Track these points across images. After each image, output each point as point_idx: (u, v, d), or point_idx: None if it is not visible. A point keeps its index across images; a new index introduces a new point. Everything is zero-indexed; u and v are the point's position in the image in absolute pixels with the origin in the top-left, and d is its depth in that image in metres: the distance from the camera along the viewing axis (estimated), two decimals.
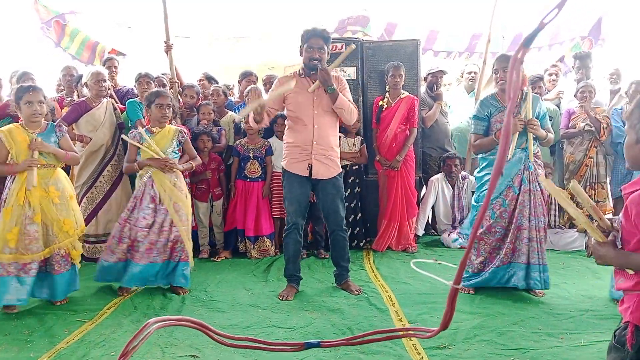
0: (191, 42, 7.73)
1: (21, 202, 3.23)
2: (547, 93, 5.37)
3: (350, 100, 3.55)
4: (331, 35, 3.59)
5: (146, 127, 3.74)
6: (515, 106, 3.41)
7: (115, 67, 5.12)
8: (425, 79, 5.41)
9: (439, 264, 3.61)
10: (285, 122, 3.65)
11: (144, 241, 3.50)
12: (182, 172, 3.77)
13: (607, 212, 5.12)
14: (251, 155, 4.62)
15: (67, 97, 5.05)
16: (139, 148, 3.60)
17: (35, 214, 3.24)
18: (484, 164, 3.63)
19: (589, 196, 4.94)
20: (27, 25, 6.57)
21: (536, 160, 3.53)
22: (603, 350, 2.58)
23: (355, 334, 2.83)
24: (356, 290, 3.59)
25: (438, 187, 5.20)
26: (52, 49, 6.40)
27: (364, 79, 5.03)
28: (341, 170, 3.63)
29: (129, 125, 4.51)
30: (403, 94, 4.76)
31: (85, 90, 4.56)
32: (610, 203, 4.92)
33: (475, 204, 3.69)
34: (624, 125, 4.89)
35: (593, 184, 4.94)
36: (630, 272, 1.42)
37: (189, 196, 3.73)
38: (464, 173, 5.23)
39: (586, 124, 4.92)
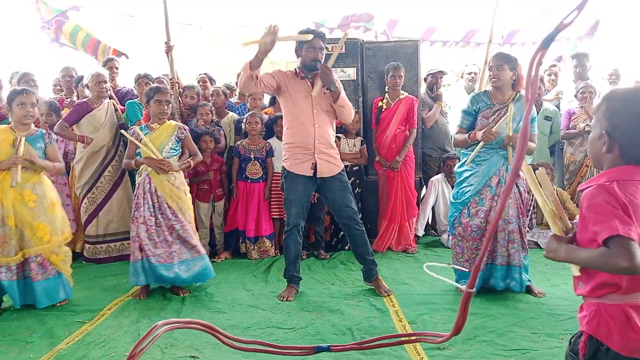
0: (191, 42, 7.73)
1: None
2: (546, 94, 5.37)
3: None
4: (334, 31, 3.60)
5: (145, 123, 3.72)
6: (504, 106, 3.41)
7: (117, 68, 5.13)
8: (425, 79, 5.41)
9: (453, 267, 3.60)
10: (284, 123, 3.61)
11: (153, 239, 3.51)
12: (183, 171, 3.76)
13: None
14: (252, 156, 4.62)
15: (66, 98, 5.05)
16: (139, 145, 3.59)
17: (7, 216, 3.18)
18: (465, 159, 3.59)
19: None
20: (27, 25, 6.57)
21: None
22: None
23: (356, 335, 2.84)
24: (385, 292, 3.53)
25: (438, 188, 5.20)
26: (50, 45, 6.38)
27: (363, 79, 5.03)
28: (343, 166, 3.61)
29: (129, 126, 4.51)
30: (402, 94, 4.76)
31: (86, 92, 4.57)
32: None
33: (452, 200, 3.63)
34: None
35: None
36: (576, 272, 1.38)
37: (188, 193, 3.72)
38: None
39: (586, 125, 4.92)
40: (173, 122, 3.71)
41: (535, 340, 2.77)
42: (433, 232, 5.47)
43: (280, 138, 4.71)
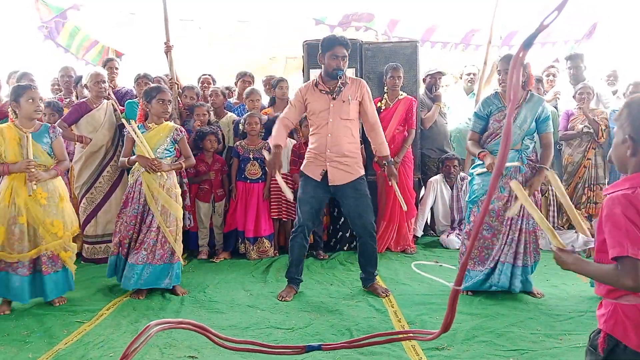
0: (191, 42, 7.73)
1: (7, 202, 3.21)
2: (545, 94, 5.38)
3: (375, 113, 3.62)
4: (334, 29, 3.61)
5: (140, 122, 3.70)
6: (516, 107, 3.42)
7: (116, 69, 5.12)
8: (424, 80, 5.42)
9: (440, 265, 3.61)
10: (309, 128, 3.65)
11: (133, 238, 3.53)
12: (179, 172, 3.75)
13: None
14: (251, 156, 4.62)
15: (65, 98, 5.05)
16: (134, 143, 3.58)
17: (20, 215, 3.21)
18: (476, 162, 3.62)
19: (588, 198, 4.97)
20: (27, 25, 6.56)
21: (529, 162, 3.52)
22: None
23: (354, 335, 2.84)
24: (383, 293, 3.55)
25: (437, 188, 5.21)
26: (44, 42, 6.37)
27: (363, 79, 5.02)
28: (362, 173, 3.57)
29: None
30: (401, 95, 4.77)
31: (85, 92, 4.56)
32: None
33: (467, 200, 3.66)
34: None
35: (592, 186, 4.95)
36: (586, 280, 1.46)
37: (179, 196, 3.67)
38: (462, 174, 5.23)
39: (584, 126, 4.93)
40: (170, 124, 3.69)
41: (534, 340, 2.77)
42: (432, 232, 5.47)
43: None
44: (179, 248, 3.62)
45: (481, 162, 3.56)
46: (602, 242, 1.38)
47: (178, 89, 4.92)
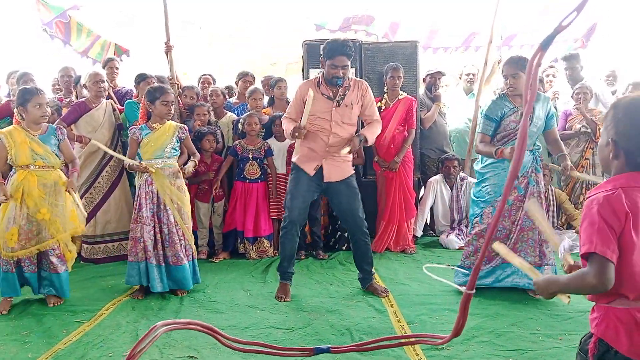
0: (191, 42, 7.73)
1: (18, 201, 3.25)
2: (545, 93, 5.38)
3: (375, 112, 3.58)
4: (335, 33, 3.59)
5: (143, 123, 3.72)
6: (531, 108, 3.40)
7: (117, 69, 5.12)
8: (424, 80, 5.42)
9: (452, 268, 3.60)
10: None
11: (152, 240, 3.52)
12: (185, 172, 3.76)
13: None
14: (250, 156, 4.62)
15: (65, 98, 5.05)
16: (139, 145, 3.59)
17: (33, 212, 3.26)
18: (488, 162, 3.57)
19: (585, 198, 4.97)
20: (27, 25, 6.55)
21: (541, 160, 3.54)
22: None
23: (354, 335, 2.84)
24: (382, 292, 3.54)
25: (436, 189, 5.20)
26: (57, 49, 6.37)
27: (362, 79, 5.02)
28: (353, 172, 3.58)
29: (127, 126, 4.50)
30: (401, 95, 4.77)
31: (84, 91, 4.56)
32: None
33: (474, 198, 3.63)
34: None
35: (590, 186, 4.95)
36: (565, 300, 1.50)
37: (187, 193, 3.72)
38: (462, 174, 5.24)
39: (582, 126, 4.94)
40: (173, 123, 3.71)
41: (533, 340, 2.77)
42: (431, 232, 5.47)
43: (278, 139, 4.73)
44: (192, 243, 3.69)
45: (491, 159, 3.52)
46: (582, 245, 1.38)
47: (178, 88, 4.92)
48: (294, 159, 3.55)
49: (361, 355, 2.57)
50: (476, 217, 3.60)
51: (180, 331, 2.79)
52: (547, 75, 5.52)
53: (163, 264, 3.55)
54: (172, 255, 3.56)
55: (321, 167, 3.45)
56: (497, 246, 1.65)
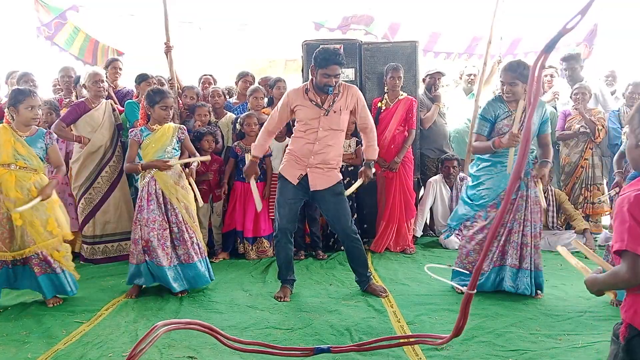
0: (191, 42, 7.73)
1: None
2: (543, 95, 5.39)
3: (368, 118, 3.54)
4: (334, 32, 3.56)
5: (143, 124, 3.73)
6: (534, 109, 3.39)
7: (120, 69, 5.11)
8: (424, 80, 5.42)
9: (453, 269, 3.60)
10: (293, 129, 3.60)
11: (160, 241, 3.51)
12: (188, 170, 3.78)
13: (604, 214, 5.14)
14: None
15: (65, 98, 5.05)
16: (140, 147, 3.59)
17: (7, 216, 3.20)
18: (482, 165, 3.56)
19: (585, 198, 4.98)
20: (27, 25, 6.54)
21: (534, 164, 3.53)
22: (601, 351, 2.59)
23: (354, 335, 2.83)
24: (381, 292, 3.55)
25: (436, 189, 5.21)
26: (44, 42, 6.36)
27: (362, 80, 5.03)
28: (340, 178, 3.55)
29: (127, 126, 4.50)
30: (401, 95, 4.77)
31: (84, 92, 4.55)
32: (606, 204, 4.94)
33: (467, 200, 3.59)
34: (621, 127, 4.88)
35: (589, 186, 4.96)
36: (611, 295, 1.58)
37: (190, 191, 3.72)
38: (462, 174, 5.24)
39: (581, 126, 4.94)
40: (172, 124, 3.72)
41: (533, 340, 2.77)
42: (431, 232, 5.48)
43: (277, 139, 4.72)
44: (198, 243, 3.70)
45: (485, 163, 3.53)
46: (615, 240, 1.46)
47: (178, 89, 4.92)
48: (280, 167, 3.56)
49: (361, 355, 2.57)
50: (467, 218, 3.59)
51: (180, 331, 2.79)
52: (545, 76, 5.53)
53: (177, 263, 3.58)
54: (183, 253, 3.59)
55: (306, 175, 3.44)
56: (562, 250, 1.81)
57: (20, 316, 3.23)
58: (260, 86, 5.00)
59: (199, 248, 3.68)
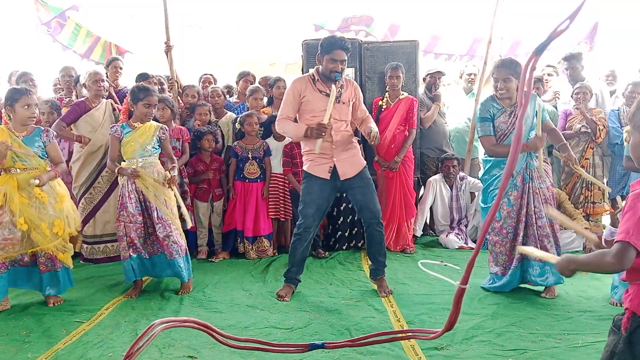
0: (191, 42, 7.73)
1: (2, 203, 3.19)
2: (544, 94, 5.38)
3: (365, 109, 3.63)
4: (334, 33, 3.57)
5: (125, 121, 3.72)
6: (525, 110, 3.41)
7: (121, 68, 5.11)
8: (424, 79, 5.42)
9: (445, 265, 3.61)
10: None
11: (141, 236, 3.56)
12: (179, 172, 3.77)
13: (604, 213, 5.14)
14: (250, 156, 4.62)
15: (65, 98, 5.05)
16: (120, 144, 3.58)
17: (15, 218, 3.19)
18: (489, 166, 3.61)
19: (585, 198, 4.97)
20: (27, 25, 6.54)
21: (535, 156, 3.54)
22: (601, 351, 2.57)
23: (354, 335, 2.84)
24: (385, 293, 3.53)
25: (436, 188, 5.21)
26: (52, 46, 6.36)
27: (362, 79, 5.03)
28: (365, 163, 3.58)
29: None
30: (402, 94, 4.77)
31: (84, 91, 4.55)
32: (607, 204, 4.94)
33: (483, 205, 3.67)
34: (621, 127, 4.87)
35: (589, 185, 4.95)
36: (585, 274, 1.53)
37: (171, 192, 3.66)
38: (462, 174, 5.24)
39: (582, 126, 4.93)
40: (154, 123, 3.70)
41: (533, 340, 2.77)
42: (431, 232, 5.48)
43: (277, 138, 4.73)
44: (182, 239, 3.69)
45: (489, 166, 3.57)
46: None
47: (178, 88, 4.92)
48: (305, 167, 3.54)
49: (361, 355, 2.57)
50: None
51: (180, 331, 2.79)
52: (544, 75, 5.52)
53: (152, 256, 3.62)
54: (159, 250, 3.60)
55: (335, 166, 3.44)
56: (520, 249, 1.76)
57: (20, 316, 3.23)
58: (260, 86, 5.00)
59: (178, 246, 3.60)
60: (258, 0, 7.99)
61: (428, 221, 5.49)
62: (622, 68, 6.10)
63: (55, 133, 3.49)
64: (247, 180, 4.64)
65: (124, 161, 3.65)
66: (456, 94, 5.95)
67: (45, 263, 3.35)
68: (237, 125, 4.63)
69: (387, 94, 4.81)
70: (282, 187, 4.75)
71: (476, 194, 5.20)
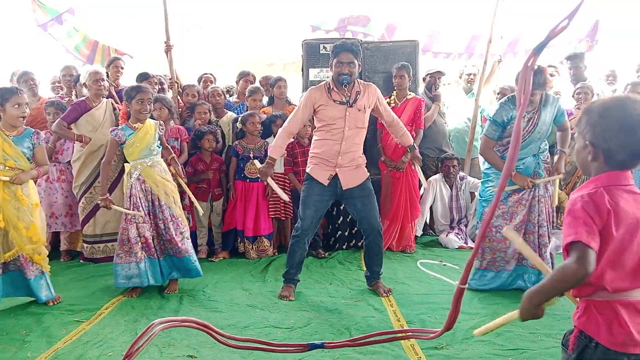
0: (191, 42, 7.73)
1: None
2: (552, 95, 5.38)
3: (392, 112, 3.68)
4: (330, 33, 3.58)
5: (124, 123, 3.71)
6: (535, 112, 3.42)
7: (122, 68, 5.11)
8: (424, 79, 5.42)
9: (444, 265, 3.62)
10: (314, 132, 3.60)
11: (155, 237, 3.54)
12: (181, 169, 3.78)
13: None
14: (251, 155, 4.61)
15: (66, 97, 5.04)
16: (122, 146, 3.57)
17: None
18: (490, 171, 3.66)
19: None
20: (27, 25, 6.53)
21: (544, 164, 3.55)
22: None
23: (354, 335, 2.84)
24: (384, 292, 3.55)
25: (436, 188, 5.21)
26: (52, 45, 6.34)
27: (362, 79, 5.01)
28: (368, 175, 3.58)
29: None
30: (410, 94, 4.77)
31: (84, 90, 4.55)
32: None
33: (480, 197, 3.69)
34: None
35: None
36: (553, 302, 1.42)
37: (176, 187, 3.71)
38: (461, 174, 5.24)
39: None
40: (152, 121, 3.68)
41: (533, 340, 2.78)
42: (431, 232, 5.47)
43: None
44: (187, 237, 3.69)
45: (491, 173, 3.61)
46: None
47: (178, 87, 4.92)
48: (307, 169, 3.55)
49: (361, 354, 2.57)
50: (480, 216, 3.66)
51: (180, 330, 2.79)
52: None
53: (161, 258, 3.59)
54: (171, 248, 3.58)
55: (336, 175, 3.44)
56: (507, 232, 1.62)
57: (20, 315, 3.23)
58: (260, 87, 5.00)
59: (189, 242, 3.64)
60: (257, 1, 7.98)
61: (428, 221, 5.48)
62: (622, 68, 6.09)
63: (44, 137, 3.45)
64: (247, 180, 4.64)
65: (128, 162, 3.65)
66: (456, 94, 5.94)
67: (30, 267, 3.29)
68: (238, 125, 4.63)
69: (394, 93, 4.81)
70: (282, 186, 4.74)
71: (476, 193, 5.20)
